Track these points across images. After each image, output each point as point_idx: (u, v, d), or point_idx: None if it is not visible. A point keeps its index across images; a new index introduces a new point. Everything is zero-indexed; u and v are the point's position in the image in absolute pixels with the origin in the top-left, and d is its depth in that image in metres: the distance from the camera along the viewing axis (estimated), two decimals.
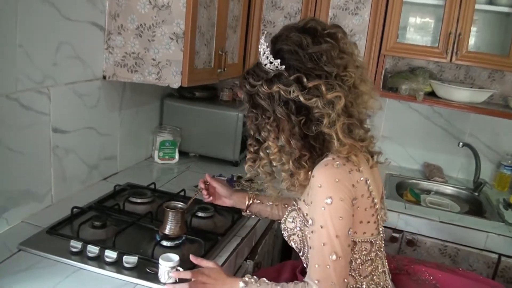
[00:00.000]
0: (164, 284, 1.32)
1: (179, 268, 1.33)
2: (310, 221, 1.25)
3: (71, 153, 1.82)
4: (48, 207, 1.73)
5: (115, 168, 2.16)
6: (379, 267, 1.35)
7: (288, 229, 1.37)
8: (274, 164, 1.36)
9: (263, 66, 1.24)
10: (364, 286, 1.31)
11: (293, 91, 1.18)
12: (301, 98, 1.18)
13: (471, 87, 2.50)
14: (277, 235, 2.22)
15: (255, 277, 1.28)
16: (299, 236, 1.33)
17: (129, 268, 1.37)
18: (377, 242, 1.33)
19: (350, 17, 2.35)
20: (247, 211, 1.65)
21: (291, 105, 1.22)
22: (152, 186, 1.98)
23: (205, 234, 1.61)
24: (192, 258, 1.35)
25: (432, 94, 2.50)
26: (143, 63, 1.86)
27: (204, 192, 1.63)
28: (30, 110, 1.57)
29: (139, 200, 1.84)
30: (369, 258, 1.31)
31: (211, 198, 1.65)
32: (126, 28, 1.85)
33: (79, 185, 1.90)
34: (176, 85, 1.85)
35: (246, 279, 1.27)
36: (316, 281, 1.19)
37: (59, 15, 1.62)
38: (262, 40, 1.26)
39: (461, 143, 2.56)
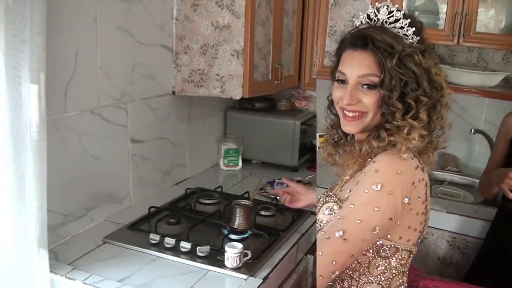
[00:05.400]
0: (231, 268, 1.48)
1: (246, 252, 1.51)
2: (346, 196, 1.18)
3: (146, 161, 2.05)
4: (127, 208, 1.95)
5: (185, 175, 2.38)
6: (404, 283, 1.25)
7: (322, 222, 1.23)
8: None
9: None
10: None
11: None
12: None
13: (484, 71, 2.35)
14: None
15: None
16: None
17: (202, 256, 1.54)
18: (413, 253, 1.22)
19: (352, 2, 2.33)
20: None
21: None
22: (219, 189, 2.17)
23: (268, 230, 1.76)
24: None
25: None
26: (208, 78, 2.07)
27: (287, 197, 1.73)
28: (110, 123, 1.81)
29: (208, 201, 2.04)
30: (403, 270, 1.21)
31: (289, 201, 1.72)
32: (191, 48, 2.07)
33: (154, 189, 2.12)
34: (238, 96, 2.04)
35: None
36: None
37: (133, 40, 1.86)
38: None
39: (473, 130, 2.40)
